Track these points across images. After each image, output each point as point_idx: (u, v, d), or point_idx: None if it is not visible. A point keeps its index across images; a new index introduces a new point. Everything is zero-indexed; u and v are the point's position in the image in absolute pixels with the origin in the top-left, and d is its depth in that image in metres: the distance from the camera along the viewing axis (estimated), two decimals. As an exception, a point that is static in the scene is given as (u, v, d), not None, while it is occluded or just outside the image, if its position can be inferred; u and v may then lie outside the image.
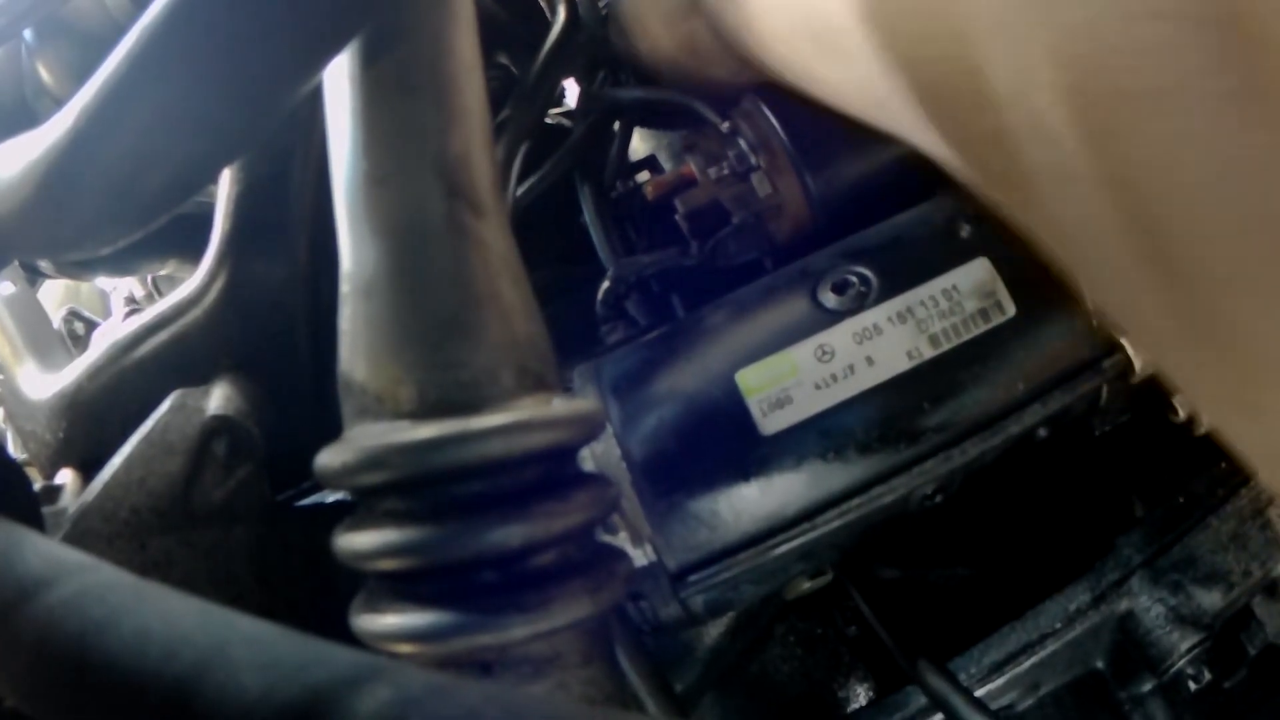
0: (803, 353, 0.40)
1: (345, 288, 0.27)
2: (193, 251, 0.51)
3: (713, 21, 0.30)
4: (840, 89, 0.29)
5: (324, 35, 0.24)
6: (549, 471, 0.26)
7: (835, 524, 0.39)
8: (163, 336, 0.46)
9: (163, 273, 0.85)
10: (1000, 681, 0.46)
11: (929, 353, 0.39)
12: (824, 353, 0.40)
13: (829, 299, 0.41)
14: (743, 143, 0.51)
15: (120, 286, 0.95)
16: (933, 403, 0.39)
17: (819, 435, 0.39)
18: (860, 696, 0.55)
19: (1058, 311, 0.41)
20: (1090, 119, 0.22)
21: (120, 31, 0.23)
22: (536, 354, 0.27)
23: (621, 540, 0.39)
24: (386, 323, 0.26)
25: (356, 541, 0.25)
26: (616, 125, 0.62)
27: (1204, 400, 0.28)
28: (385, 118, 0.26)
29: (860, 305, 0.41)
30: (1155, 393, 0.44)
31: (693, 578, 0.40)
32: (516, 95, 0.53)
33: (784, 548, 0.39)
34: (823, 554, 0.42)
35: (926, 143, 0.30)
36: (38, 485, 0.45)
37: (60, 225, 0.25)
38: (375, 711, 0.15)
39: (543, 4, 0.64)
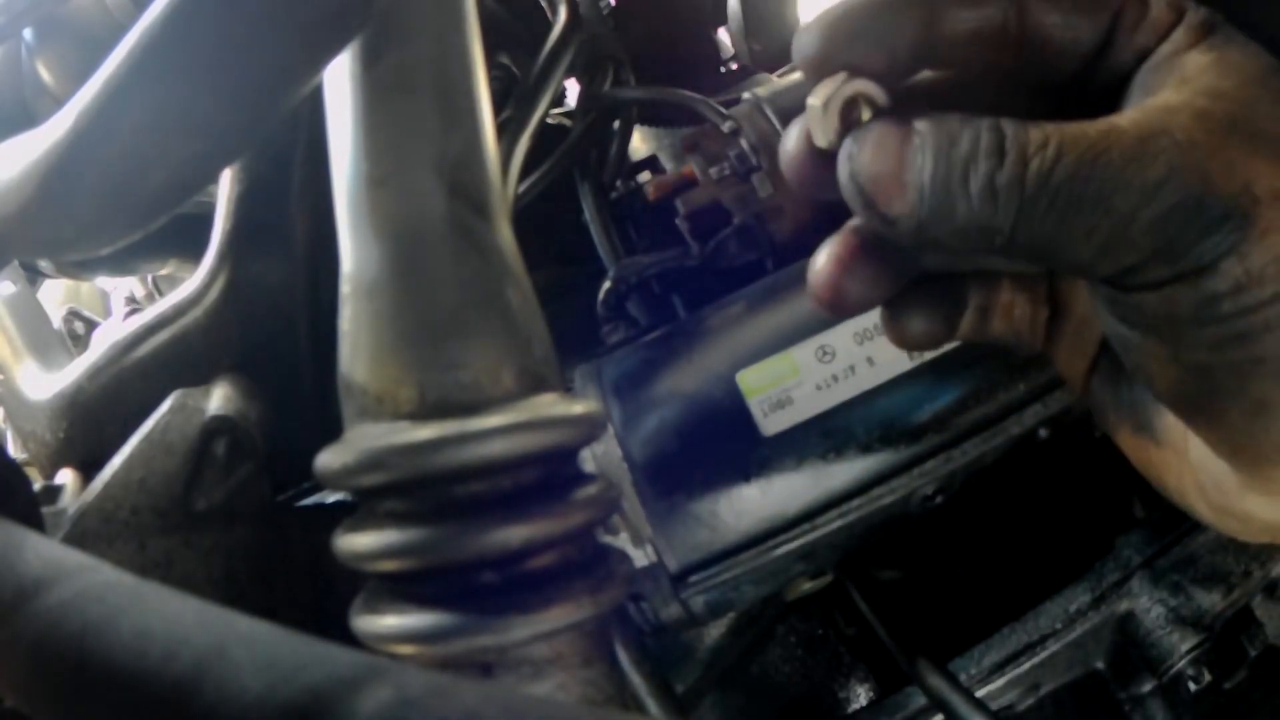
0: (804, 353, 0.40)
1: (346, 288, 0.27)
2: (193, 251, 0.51)
3: None
4: None
5: (324, 35, 0.24)
6: (550, 472, 0.26)
7: (836, 524, 0.39)
8: (163, 337, 0.46)
9: (163, 272, 0.85)
10: (1000, 682, 0.46)
11: (929, 353, 0.39)
12: (825, 353, 0.40)
13: (830, 299, 0.41)
14: (744, 143, 0.51)
15: (120, 286, 0.95)
16: (933, 403, 0.39)
17: (820, 436, 0.39)
18: (860, 697, 0.55)
19: (1058, 312, 0.41)
20: None
21: (121, 31, 0.23)
22: (537, 354, 0.27)
23: (622, 541, 0.39)
24: (387, 323, 0.26)
25: (357, 542, 0.25)
26: (617, 125, 0.62)
27: None
28: (386, 118, 0.26)
29: (861, 306, 0.41)
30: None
31: (693, 578, 0.40)
32: (518, 95, 0.53)
33: (785, 548, 0.39)
34: (823, 554, 0.42)
35: None
36: (38, 485, 0.44)
37: (60, 225, 0.25)
38: (375, 712, 0.15)
39: (544, 4, 0.64)
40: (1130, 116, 0.26)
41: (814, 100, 0.28)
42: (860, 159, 0.28)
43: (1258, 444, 0.29)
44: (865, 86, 0.28)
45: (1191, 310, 0.27)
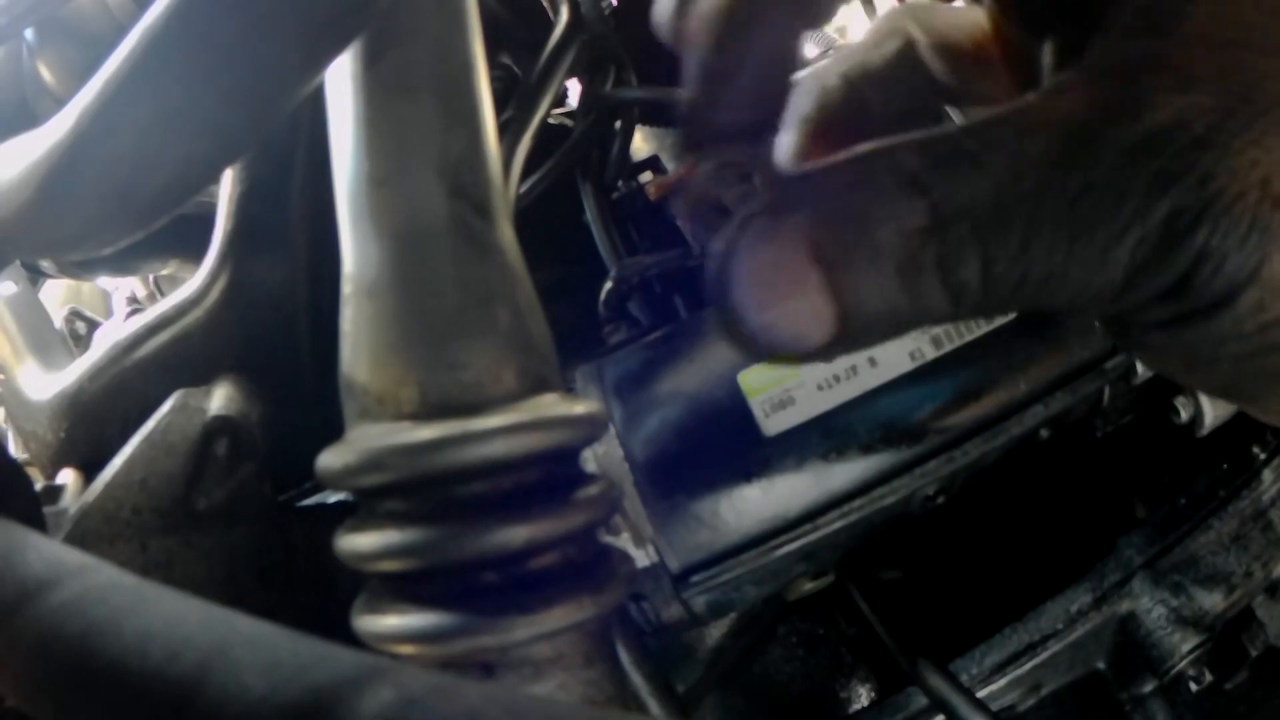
0: (804, 353, 0.40)
1: (347, 289, 0.27)
2: (194, 252, 0.51)
3: None
4: None
5: (326, 35, 0.24)
6: (551, 472, 0.26)
7: (837, 524, 0.39)
8: (164, 337, 0.46)
9: (164, 273, 0.85)
10: (1002, 682, 0.46)
11: (931, 353, 0.39)
12: (826, 353, 0.40)
13: (831, 299, 0.41)
14: (744, 143, 0.51)
15: (122, 286, 0.95)
16: (935, 403, 0.39)
17: (821, 436, 0.39)
18: (862, 697, 0.55)
19: (1060, 312, 0.41)
20: None
21: (122, 31, 0.23)
22: (539, 355, 0.27)
23: (624, 541, 0.39)
24: (389, 324, 0.26)
25: (358, 542, 0.25)
26: (618, 124, 0.62)
27: None
28: (387, 118, 0.26)
29: (862, 306, 0.40)
30: (1157, 394, 0.44)
31: (695, 578, 0.39)
32: (519, 95, 0.53)
33: (786, 548, 0.39)
34: (824, 555, 0.42)
35: None
36: (39, 486, 0.45)
37: (61, 225, 0.25)
38: (377, 712, 0.15)
39: (545, 4, 0.64)
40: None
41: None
42: (748, 307, 0.20)
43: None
44: (732, 159, 0.21)
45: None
